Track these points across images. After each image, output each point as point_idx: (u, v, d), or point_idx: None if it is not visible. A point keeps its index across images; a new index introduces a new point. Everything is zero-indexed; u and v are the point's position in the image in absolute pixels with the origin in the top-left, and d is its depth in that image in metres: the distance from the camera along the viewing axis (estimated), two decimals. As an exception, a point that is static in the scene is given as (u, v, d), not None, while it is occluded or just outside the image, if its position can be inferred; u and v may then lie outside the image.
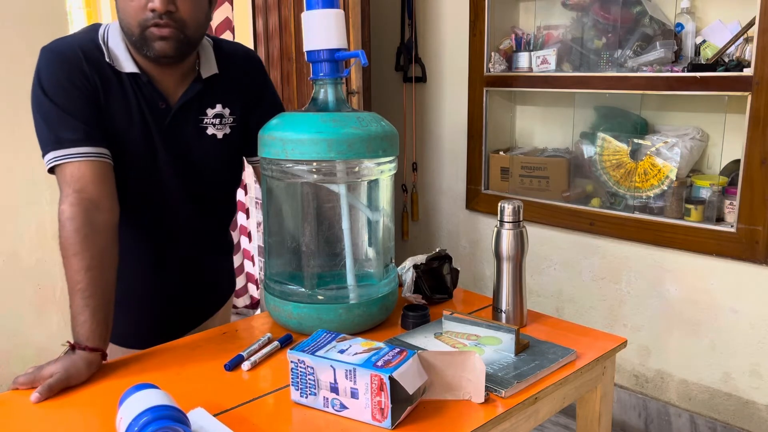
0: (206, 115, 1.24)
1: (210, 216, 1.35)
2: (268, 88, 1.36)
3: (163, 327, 1.32)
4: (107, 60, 1.15)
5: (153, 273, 1.30)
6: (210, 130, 1.25)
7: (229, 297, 1.47)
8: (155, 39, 1.11)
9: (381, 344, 0.97)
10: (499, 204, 1.22)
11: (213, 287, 1.41)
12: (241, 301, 3.39)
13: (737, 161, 2.01)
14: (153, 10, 1.08)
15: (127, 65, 1.16)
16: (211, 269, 1.39)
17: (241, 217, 3.35)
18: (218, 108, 1.25)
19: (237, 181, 1.38)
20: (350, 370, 0.91)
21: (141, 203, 1.23)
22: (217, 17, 3.06)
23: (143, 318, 1.32)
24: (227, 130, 1.27)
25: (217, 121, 1.26)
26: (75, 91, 1.12)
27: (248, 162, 1.39)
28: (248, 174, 3.42)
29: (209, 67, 1.24)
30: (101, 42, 1.16)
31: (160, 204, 1.25)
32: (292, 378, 0.96)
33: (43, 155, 1.12)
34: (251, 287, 3.45)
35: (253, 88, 1.32)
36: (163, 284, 1.31)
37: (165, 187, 1.24)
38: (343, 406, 0.93)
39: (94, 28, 1.19)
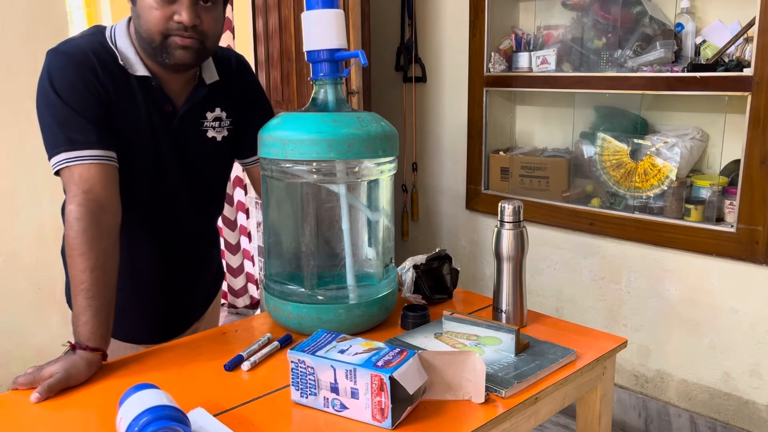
0: (206, 118, 1.29)
1: (206, 211, 1.41)
2: (260, 91, 1.41)
3: (169, 320, 1.38)
4: (120, 63, 1.17)
5: (160, 267, 1.33)
6: (210, 133, 1.30)
7: (221, 284, 1.53)
8: (177, 48, 1.14)
9: (381, 344, 0.97)
10: (499, 204, 1.22)
11: (209, 276, 1.46)
12: (241, 301, 3.38)
13: (737, 161, 2.01)
14: (179, 22, 1.12)
15: (139, 68, 1.19)
16: (207, 259, 1.44)
17: (241, 217, 3.34)
18: (217, 111, 1.30)
19: (228, 179, 1.45)
20: (350, 370, 0.91)
21: (147, 202, 1.27)
22: (217, 17, 3.06)
23: (153, 312, 1.35)
24: (225, 133, 1.33)
25: (216, 124, 1.31)
26: (88, 95, 1.13)
27: (242, 164, 1.44)
28: (248, 174, 3.42)
29: (211, 74, 1.28)
30: (111, 45, 1.18)
31: (165, 201, 1.29)
32: (293, 378, 0.96)
33: (52, 156, 1.13)
34: (251, 287, 3.45)
35: (247, 92, 1.37)
36: (169, 277, 1.35)
37: (169, 185, 1.27)
38: (344, 406, 0.93)
39: (99, 30, 1.21)
